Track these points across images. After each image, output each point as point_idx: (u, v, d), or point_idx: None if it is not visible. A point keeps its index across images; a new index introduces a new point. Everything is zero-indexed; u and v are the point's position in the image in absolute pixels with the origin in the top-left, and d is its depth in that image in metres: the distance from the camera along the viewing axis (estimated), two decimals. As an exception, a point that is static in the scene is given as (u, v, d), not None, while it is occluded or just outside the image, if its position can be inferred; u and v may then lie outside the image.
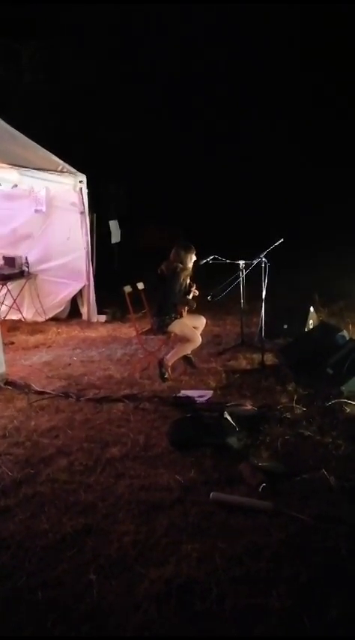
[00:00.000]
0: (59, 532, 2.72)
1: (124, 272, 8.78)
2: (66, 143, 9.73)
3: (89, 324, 7.51)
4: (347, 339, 5.10)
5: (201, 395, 4.55)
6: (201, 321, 5.33)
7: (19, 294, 7.60)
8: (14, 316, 7.63)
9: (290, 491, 3.00)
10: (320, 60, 14.79)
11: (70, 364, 5.70)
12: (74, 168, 7.23)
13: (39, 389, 4.84)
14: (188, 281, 5.14)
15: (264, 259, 5.36)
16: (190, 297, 5.20)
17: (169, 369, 5.03)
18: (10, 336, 6.75)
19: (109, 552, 2.55)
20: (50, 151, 7.14)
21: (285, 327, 6.11)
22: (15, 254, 7.59)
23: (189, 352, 5.21)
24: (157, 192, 14.85)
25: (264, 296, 5.38)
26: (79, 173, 7.22)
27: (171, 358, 5.04)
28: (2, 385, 4.93)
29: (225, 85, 15.64)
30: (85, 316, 7.69)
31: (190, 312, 5.26)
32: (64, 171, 7.07)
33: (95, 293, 7.63)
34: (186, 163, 15.31)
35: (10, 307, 7.51)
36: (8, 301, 7.45)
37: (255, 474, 3.11)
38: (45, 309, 7.68)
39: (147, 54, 15.31)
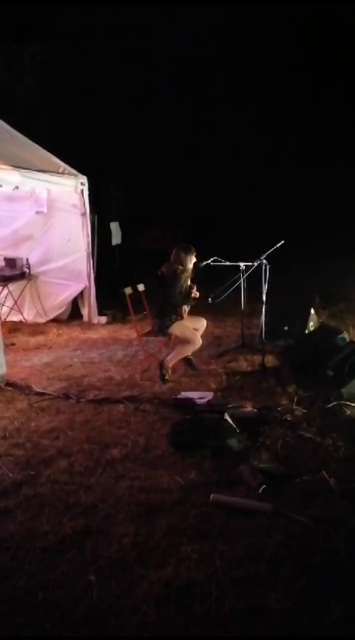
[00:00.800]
0: (59, 533, 2.72)
1: (125, 274, 8.78)
2: (67, 145, 9.76)
3: (90, 325, 7.52)
4: (348, 341, 5.10)
5: (201, 396, 4.55)
6: (202, 323, 5.33)
7: (19, 296, 7.61)
8: (15, 317, 7.64)
9: (290, 493, 3.00)
10: (320, 60, 14.82)
11: (70, 365, 5.71)
12: (75, 169, 7.24)
13: (39, 390, 4.85)
14: (189, 282, 5.15)
15: (264, 261, 5.37)
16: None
17: (170, 371, 5.04)
18: (10, 337, 6.75)
19: (109, 554, 2.56)
20: (51, 153, 7.15)
21: (286, 328, 6.11)
22: (16, 255, 7.60)
23: (190, 354, 5.22)
24: (158, 194, 14.87)
25: (264, 298, 5.38)
26: (80, 175, 7.23)
27: (171, 360, 5.05)
28: (3, 386, 4.94)
29: (226, 87, 15.65)
30: (85, 318, 7.70)
31: (191, 313, 5.27)
32: (65, 173, 7.09)
33: (96, 294, 7.63)
34: (186, 165, 15.33)
35: (11, 308, 7.51)
36: (9, 302, 7.46)
37: (255, 476, 3.11)
38: (46, 311, 7.69)
39: (147, 56, 15.33)
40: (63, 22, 15.08)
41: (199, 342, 5.12)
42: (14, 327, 7.31)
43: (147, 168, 15.22)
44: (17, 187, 6.98)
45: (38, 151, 7.05)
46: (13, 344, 6.52)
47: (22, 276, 7.50)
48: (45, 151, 7.11)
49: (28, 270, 7.56)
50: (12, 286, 7.40)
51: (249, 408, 4.15)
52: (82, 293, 7.66)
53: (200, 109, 15.76)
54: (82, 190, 7.24)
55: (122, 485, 3.17)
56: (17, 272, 7.46)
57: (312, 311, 6.33)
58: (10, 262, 7.53)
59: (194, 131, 15.47)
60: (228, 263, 5.57)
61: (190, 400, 4.46)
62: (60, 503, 2.99)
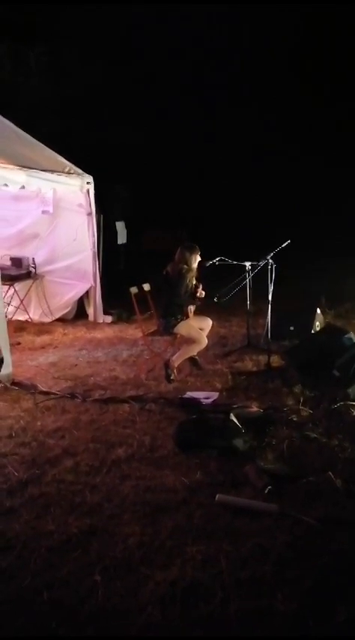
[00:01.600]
0: (64, 533, 2.72)
1: (130, 273, 8.79)
2: (72, 145, 9.76)
3: (95, 324, 7.53)
4: (354, 341, 5.07)
5: (206, 396, 4.54)
6: (207, 323, 5.32)
7: (25, 295, 7.63)
8: (21, 317, 7.65)
9: (296, 494, 2.99)
10: (321, 60, 14.78)
11: (76, 365, 5.71)
12: (81, 169, 7.25)
13: (45, 389, 4.85)
14: (194, 282, 5.14)
15: (270, 261, 5.35)
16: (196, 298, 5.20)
17: (175, 371, 5.03)
18: (16, 336, 6.77)
19: (114, 554, 2.56)
20: (57, 152, 7.16)
21: (291, 328, 6.10)
22: (22, 255, 7.61)
23: (195, 353, 5.21)
24: (163, 194, 14.86)
25: (270, 297, 5.37)
26: (86, 174, 7.24)
27: (177, 359, 5.04)
28: (9, 385, 4.95)
29: (230, 86, 15.62)
30: (91, 317, 7.71)
31: (196, 313, 5.26)
32: (71, 173, 7.09)
33: (101, 294, 7.64)
34: (191, 165, 15.31)
35: (17, 308, 7.53)
36: (15, 302, 7.48)
37: (261, 476, 3.11)
38: (51, 310, 7.70)
39: (152, 55, 15.32)
40: (67, 24, 15.12)
41: (205, 341, 5.11)
42: (20, 327, 7.32)
43: (152, 169, 15.22)
44: (23, 187, 6.98)
45: (44, 151, 7.06)
46: (19, 343, 6.54)
47: (28, 275, 7.52)
48: (51, 151, 7.12)
49: (33, 270, 7.57)
50: (18, 286, 7.42)
51: (255, 408, 4.14)
52: (87, 292, 7.67)
53: (204, 109, 15.74)
54: (88, 190, 7.25)
55: (127, 485, 3.17)
56: (23, 271, 7.47)
57: (318, 311, 6.30)
58: (16, 262, 7.55)
59: (198, 131, 15.44)
60: (234, 262, 5.56)
61: (196, 400, 4.45)
62: (65, 503, 3.00)
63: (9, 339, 5.27)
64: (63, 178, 6.98)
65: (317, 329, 6.05)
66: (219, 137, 15.45)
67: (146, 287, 5.75)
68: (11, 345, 5.47)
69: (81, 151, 9.16)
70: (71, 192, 7.25)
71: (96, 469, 3.37)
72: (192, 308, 5.16)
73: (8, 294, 7.32)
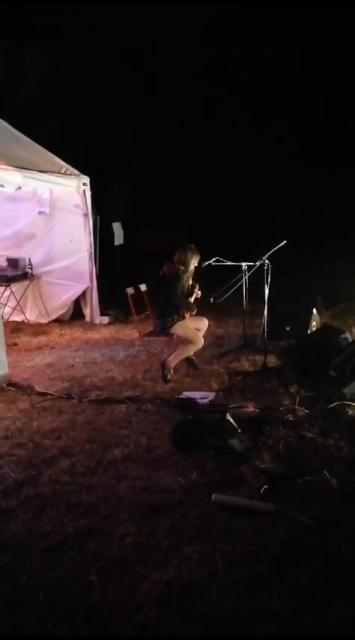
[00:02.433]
0: (61, 533, 2.72)
1: (127, 274, 8.78)
2: (69, 145, 9.76)
3: (92, 325, 7.53)
4: (350, 341, 5.09)
5: (203, 396, 4.55)
6: (204, 323, 5.33)
7: (22, 296, 7.62)
8: (17, 318, 7.65)
9: (292, 494, 3.00)
10: (320, 59, 14.81)
11: (72, 366, 5.71)
12: (77, 170, 7.25)
13: (41, 390, 4.85)
14: (190, 282, 5.15)
15: (266, 261, 5.36)
16: (193, 299, 5.21)
17: (172, 371, 5.04)
18: (13, 337, 6.76)
19: (110, 554, 2.56)
20: (54, 154, 7.16)
21: (288, 329, 6.11)
22: (18, 256, 7.61)
23: (192, 354, 5.22)
24: (160, 195, 14.86)
25: (266, 298, 5.38)
26: (82, 175, 7.24)
27: (173, 360, 5.05)
28: (5, 386, 4.94)
29: (227, 87, 15.64)
30: (87, 318, 7.71)
31: (192, 314, 5.27)
32: (67, 174, 7.09)
33: (98, 295, 7.64)
34: (188, 166, 15.31)
35: (14, 309, 7.53)
36: (12, 303, 7.47)
37: (257, 476, 3.11)
38: (48, 311, 7.70)
39: (149, 56, 15.33)
40: (64, 23, 15.11)
41: (201, 342, 5.12)
42: (17, 328, 7.32)
43: (149, 169, 15.22)
44: (20, 188, 7.00)
45: (40, 152, 7.06)
46: (16, 344, 6.53)
47: (25, 276, 7.51)
48: (47, 152, 7.12)
49: (30, 271, 7.57)
50: (14, 286, 7.42)
51: (251, 408, 4.15)
52: (84, 293, 7.67)
53: (202, 109, 15.76)
54: (84, 191, 7.25)
55: (124, 485, 3.17)
56: (20, 272, 7.46)
57: (314, 311, 6.31)
58: (13, 262, 7.54)
59: (196, 131, 15.44)
60: (230, 263, 5.56)
61: (192, 400, 4.46)
62: (61, 503, 2.99)
63: (5, 339, 5.26)
64: (59, 179, 6.99)
65: (314, 329, 6.07)
66: (217, 137, 15.45)
67: (143, 288, 5.75)
68: (8, 345, 5.47)
69: (79, 151, 9.17)
70: (67, 192, 7.26)
71: (93, 470, 3.37)
72: (190, 314, 5.17)
73: (4, 295, 7.31)
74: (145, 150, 15.14)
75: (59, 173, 7.01)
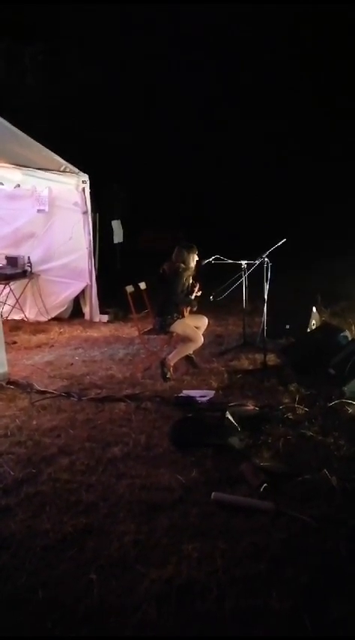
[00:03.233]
0: (60, 532, 2.72)
1: (126, 272, 8.77)
2: (68, 145, 9.74)
3: (91, 323, 7.51)
4: (350, 339, 5.09)
5: (202, 395, 4.54)
6: (203, 321, 5.32)
7: (21, 294, 7.61)
8: (17, 316, 7.64)
9: (292, 492, 3.00)
10: (321, 58, 14.80)
11: (72, 364, 5.71)
12: (78, 169, 7.23)
13: (41, 388, 4.84)
14: (190, 281, 5.14)
15: (266, 259, 5.35)
16: (192, 297, 5.20)
17: (171, 369, 5.03)
18: (12, 335, 6.75)
19: (110, 552, 2.56)
20: (53, 151, 7.14)
21: (287, 327, 6.10)
22: (17, 254, 7.59)
23: (191, 352, 5.21)
24: (161, 194, 14.84)
25: (266, 296, 5.37)
26: (81, 173, 7.22)
27: (173, 358, 5.04)
28: (4, 385, 4.94)
29: (227, 85, 15.62)
30: (87, 316, 7.69)
31: (192, 311, 5.26)
32: (66, 171, 7.07)
33: (97, 293, 7.63)
34: (187, 165, 15.30)
35: (13, 307, 7.51)
36: (11, 301, 7.46)
37: (257, 475, 3.11)
38: (47, 309, 7.69)
39: (149, 56, 15.29)
40: (64, 22, 15.08)
41: (201, 340, 5.11)
42: (16, 326, 7.31)
43: (149, 169, 15.19)
44: (19, 185, 6.97)
45: (40, 150, 7.04)
46: (15, 342, 6.52)
47: (24, 274, 7.49)
48: (46, 150, 7.10)
49: (29, 269, 7.55)
50: (13, 285, 7.40)
51: (251, 407, 4.14)
52: (83, 291, 7.66)
53: (202, 109, 15.74)
54: (84, 189, 7.23)
55: (123, 483, 3.17)
56: (19, 270, 7.45)
57: (314, 309, 6.31)
58: (12, 261, 7.53)
59: (196, 131, 15.44)
60: (229, 261, 5.56)
61: (192, 398, 4.45)
62: (61, 502, 2.99)
63: (5, 338, 5.25)
64: (58, 177, 6.97)
65: (313, 327, 6.06)
66: (217, 137, 15.44)
67: (142, 286, 5.74)
68: (7, 344, 5.46)
69: (79, 151, 9.14)
70: (67, 190, 7.24)
71: (92, 468, 3.37)
72: (189, 310, 5.16)
73: (4, 293, 7.30)
74: (145, 150, 15.12)
75: (58, 171, 6.99)
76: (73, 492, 3.09)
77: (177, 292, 5.00)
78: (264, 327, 5.48)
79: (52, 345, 6.50)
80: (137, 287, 5.66)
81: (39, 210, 7.55)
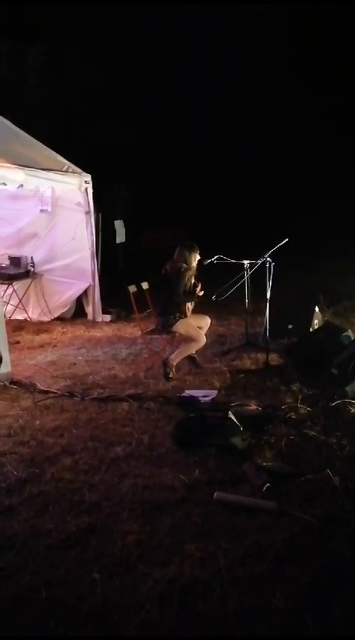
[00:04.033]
0: (63, 531, 2.72)
1: (129, 272, 8.78)
2: (70, 145, 9.75)
3: (94, 323, 7.53)
4: (352, 339, 5.08)
5: (205, 395, 4.55)
6: (206, 321, 5.32)
7: (24, 294, 7.63)
8: (20, 316, 7.65)
9: (295, 492, 3.00)
10: (320, 58, 14.77)
11: (74, 364, 5.72)
12: (81, 169, 7.24)
13: (44, 388, 4.85)
14: (193, 281, 5.14)
15: (268, 259, 5.35)
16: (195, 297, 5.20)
17: (174, 369, 5.04)
18: (15, 335, 6.77)
19: (113, 552, 2.56)
20: (55, 152, 7.15)
21: (290, 327, 6.10)
22: (20, 254, 7.61)
23: (194, 352, 5.21)
24: (163, 194, 14.84)
25: (268, 296, 5.37)
26: (84, 173, 7.23)
27: (175, 358, 5.05)
28: (8, 384, 4.95)
29: (230, 86, 15.61)
30: (90, 316, 7.70)
31: (195, 311, 5.27)
32: (69, 172, 7.09)
33: (100, 293, 7.64)
34: (190, 164, 15.29)
35: (16, 307, 7.53)
36: (14, 301, 7.48)
37: (259, 474, 3.11)
38: (50, 309, 7.70)
39: (151, 56, 15.29)
40: (66, 23, 15.08)
41: (203, 340, 5.11)
42: (19, 326, 7.32)
43: (151, 169, 15.19)
44: (21, 186, 6.97)
45: (42, 150, 7.06)
46: (18, 342, 6.54)
47: (27, 274, 7.51)
48: (49, 150, 7.12)
49: (32, 269, 7.57)
50: (17, 285, 7.43)
51: (253, 407, 4.15)
52: (86, 291, 7.67)
53: (204, 108, 15.72)
54: (86, 189, 7.24)
55: (126, 483, 3.17)
56: (22, 270, 7.47)
57: (317, 309, 6.30)
58: (15, 261, 7.55)
59: (198, 131, 15.43)
60: (232, 261, 5.56)
61: (194, 398, 4.45)
62: (64, 501, 3.00)
63: (8, 337, 5.26)
64: (61, 177, 6.97)
65: (316, 327, 6.05)
66: (218, 137, 15.43)
67: (145, 286, 5.75)
68: (10, 343, 5.48)
69: (80, 151, 9.16)
70: (69, 190, 7.25)
71: (95, 467, 3.38)
72: (190, 306, 5.16)
73: (7, 293, 7.32)
74: (146, 149, 15.11)
75: (61, 171, 7.00)
76: (76, 492, 3.09)
77: (180, 292, 5.00)
78: (266, 327, 5.48)
79: (55, 345, 6.51)
80: (139, 287, 5.66)
81: (42, 211, 7.56)
